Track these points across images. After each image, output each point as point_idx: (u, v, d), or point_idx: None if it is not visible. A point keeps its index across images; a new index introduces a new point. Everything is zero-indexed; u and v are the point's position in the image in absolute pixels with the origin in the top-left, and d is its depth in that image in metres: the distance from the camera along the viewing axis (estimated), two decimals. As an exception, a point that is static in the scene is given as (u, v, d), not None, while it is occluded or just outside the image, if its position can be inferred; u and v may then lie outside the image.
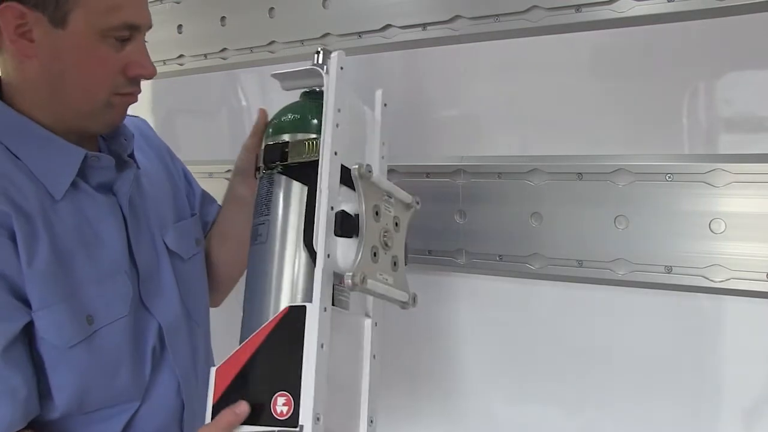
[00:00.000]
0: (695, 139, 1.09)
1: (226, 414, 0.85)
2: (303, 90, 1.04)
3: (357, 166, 0.89)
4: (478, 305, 1.30)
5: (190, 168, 1.46)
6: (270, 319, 0.88)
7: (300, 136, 0.98)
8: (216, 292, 1.23)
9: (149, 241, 1.05)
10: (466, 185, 1.24)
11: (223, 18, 1.49)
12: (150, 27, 0.97)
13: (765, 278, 1.01)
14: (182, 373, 1.05)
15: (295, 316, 0.88)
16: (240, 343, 0.90)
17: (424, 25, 1.20)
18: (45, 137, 0.93)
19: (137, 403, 0.99)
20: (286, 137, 0.98)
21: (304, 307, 0.87)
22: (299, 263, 0.95)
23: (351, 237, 0.91)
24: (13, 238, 0.87)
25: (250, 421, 0.87)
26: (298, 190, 0.97)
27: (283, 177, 0.97)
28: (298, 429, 0.85)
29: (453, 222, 1.25)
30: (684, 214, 1.06)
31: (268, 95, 1.58)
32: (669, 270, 1.07)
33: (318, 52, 1.01)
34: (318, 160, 0.93)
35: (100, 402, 0.95)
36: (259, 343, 0.89)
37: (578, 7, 1.09)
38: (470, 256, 1.25)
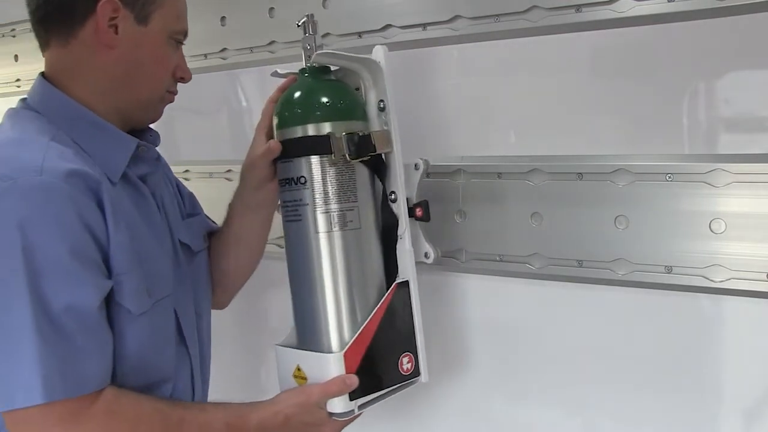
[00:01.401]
0: (695, 139, 1.09)
1: (336, 382, 1.03)
2: (302, 68, 1.12)
3: (422, 162, 1.19)
4: (478, 305, 1.30)
5: (190, 168, 1.47)
6: (384, 298, 1.08)
7: (358, 124, 1.08)
8: (225, 294, 1.27)
9: (171, 233, 1.11)
10: (466, 185, 1.24)
11: (223, 18, 1.49)
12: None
13: (765, 278, 1.01)
14: (194, 357, 1.11)
15: (403, 290, 1.10)
16: (296, 323, 1.10)
17: (424, 25, 1.20)
18: (100, 125, 1.00)
19: (171, 384, 1.04)
20: (339, 125, 1.06)
21: (407, 281, 1.11)
22: (379, 244, 1.12)
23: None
24: (101, 206, 0.92)
25: (375, 387, 1.07)
26: (371, 177, 1.11)
27: (362, 165, 1.08)
28: (421, 377, 1.12)
29: (453, 222, 1.25)
30: (684, 214, 1.06)
31: (268, 95, 1.58)
32: (669, 270, 1.07)
33: (306, 22, 1.12)
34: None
35: (148, 377, 1.00)
36: (379, 319, 1.07)
37: (578, 7, 1.09)
38: (470, 256, 1.25)
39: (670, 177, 1.06)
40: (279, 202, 1.14)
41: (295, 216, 1.08)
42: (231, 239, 1.22)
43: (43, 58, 1.04)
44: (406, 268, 1.13)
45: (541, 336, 1.25)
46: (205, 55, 1.51)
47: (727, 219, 1.03)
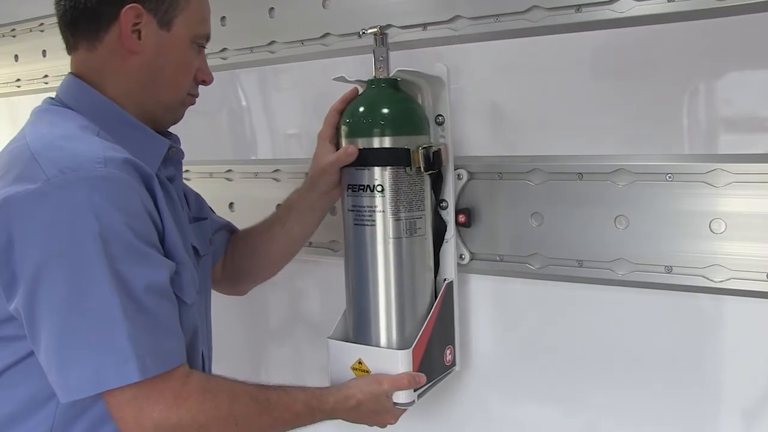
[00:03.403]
0: (695, 139, 1.09)
1: (407, 377, 1.11)
2: (370, 80, 1.17)
3: (465, 172, 1.23)
4: (478, 305, 1.30)
5: (190, 168, 1.47)
6: (439, 297, 1.18)
7: (425, 138, 1.15)
8: (253, 284, 1.35)
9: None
10: (467, 185, 1.24)
11: (223, 18, 1.49)
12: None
13: (765, 278, 1.01)
14: (206, 359, 1.14)
15: (449, 288, 1.21)
16: (354, 323, 1.17)
17: (424, 25, 1.20)
18: (135, 125, 1.03)
19: None
20: (413, 138, 1.13)
21: (452, 281, 1.21)
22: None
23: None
24: (153, 197, 0.96)
25: (429, 378, 1.14)
26: (430, 187, 1.18)
27: (427, 176, 1.15)
28: (457, 368, 1.24)
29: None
30: (684, 214, 1.06)
31: (269, 95, 1.58)
32: (669, 270, 1.07)
33: (376, 34, 1.17)
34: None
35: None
36: (436, 316, 1.17)
37: (578, 7, 1.09)
38: (471, 256, 1.25)
39: (670, 177, 1.06)
40: (348, 206, 1.16)
41: (370, 221, 1.13)
42: (283, 236, 1.27)
43: (69, 58, 1.06)
44: (450, 269, 1.22)
45: (540, 336, 1.25)
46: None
47: (727, 219, 1.03)
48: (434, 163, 1.13)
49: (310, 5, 1.37)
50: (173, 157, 1.09)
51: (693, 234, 1.05)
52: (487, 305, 1.29)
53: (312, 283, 1.51)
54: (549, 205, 1.17)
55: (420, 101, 1.19)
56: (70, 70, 1.06)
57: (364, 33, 1.19)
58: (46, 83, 1.85)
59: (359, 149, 1.13)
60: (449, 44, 1.24)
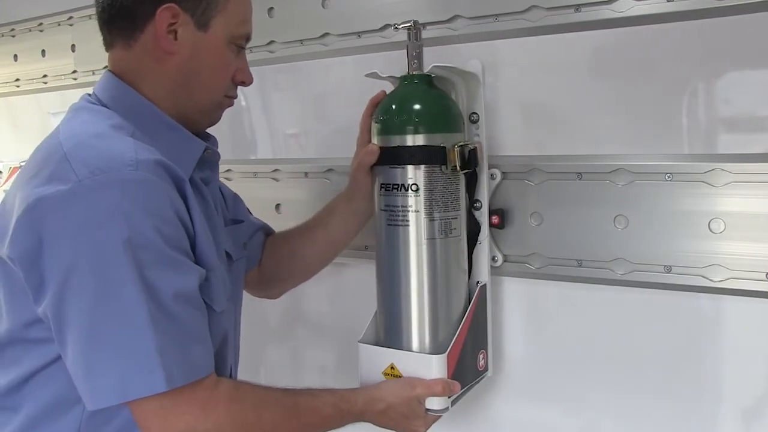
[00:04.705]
0: (695, 138, 1.09)
1: (441, 383, 1.07)
2: (403, 76, 1.14)
3: (499, 172, 1.21)
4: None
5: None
6: (473, 301, 1.15)
7: (460, 136, 1.12)
8: (290, 286, 1.33)
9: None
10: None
11: (222, 18, 1.49)
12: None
13: (764, 278, 1.01)
14: (233, 367, 1.13)
15: (483, 292, 1.18)
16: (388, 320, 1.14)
17: (423, 25, 1.19)
18: (172, 125, 1.01)
19: None
20: (448, 136, 1.09)
21: (485, 284, 1.18)
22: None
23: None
24: (185, 200, 0.94)
25: (462, 384, 1.11)
26: (465, 187, 1.14)
27: (462, 175, 1.12)
28: (489, 373, 1.21)
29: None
30: (683, 214, 1.06)
31: (268, 95, 1.58)
32: (668, 269, 1.07)
33: (410, 29, 1.13)
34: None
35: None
36: (470, 320, 1.14)
37: (577, 7, 1.09)
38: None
39: (669, 177, 1.06)
40: (380, 206, 1.13)
41: (404, 221, 1.10)
42: (323, 240, 1.25)
43: (107, 55, 1.04)
44: (483, 271, 1.19)
45: (540, 335, 1.25)
46: (205, 55, 1.50)
47: (727, 219, 1.03)
48: (470, 162, 1.10)
49: (309, 5, 1.37)
50: (209, 159, 1.07)
51: (692, 234, 1.05)
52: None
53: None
54: (550, 204, 1.17)
55: (454, 98, 1.16)
56: (107, 67, 1.04)
57: (397, 28, 1.17)
58: (45, 83, 1.85)
59: (393, 147, 1.10)
60: (448, 44, 1.24)
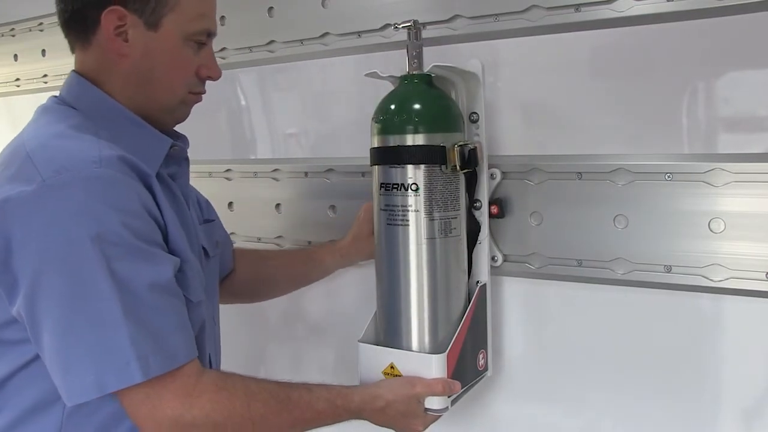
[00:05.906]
0: (695, 138, 1.09)
1: (441, 383, 1.07)
2: (403, 75, 1.14)
3: (498, 171, 1.21)
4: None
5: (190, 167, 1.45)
6: (473, 300, 1.15)
7: (460, 136, 1.11)
8: (264, 297, 1.40)
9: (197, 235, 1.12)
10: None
11: (222, 17, 1.49)
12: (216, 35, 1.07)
13: (764, 278, 1.01)
14: (214, 364, 1.13)
15: (483, 291, 1.18)
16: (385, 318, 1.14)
17: (423, 25, 1.19)
18: (136, 122, 1.02)
19: None
20: (448, 136, 1.09)
21: (485, 284, 1.18)
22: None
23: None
24: (153, 195, 0.95)
25: (462, 383, 1.11)
26: (464, 186, 1.14)
27: (462, 174, 1.12)
28: (489, 372, 1.21)
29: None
30: (683, 214, 1.06)
31: (268, 95, 1.58)
32: (668, 269, 1.07)
33: (410, 29, 1.13)
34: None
35: None
36: (470, 320, 1.14)
37: (577, 7, 1.09)
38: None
39: (669, 176, 1.06)
40: (380, 206, 1.13)
41: (403, 221, 1.10)
42: (316, 272, 1.34)
43: (68, 58, 1.06)
44: (483, 271, 1.19)
45: (539, 335, 1.25)
46: (205, 55, 1.50)
47: (727, 218, 1.03)
48: (470, 162, 1.10)
49: (309, 5, 1.37)
50: (176, 155, 1.07)
51: (692, 233, 1.05)
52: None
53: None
54: (549, 204, 1.17)
55: (454, 98, 1.17)
56: (73, 68, 1.05)
57: (397, 27, 1.17)
58: (46, 83, 1.85)
59: (393, 146, 1.10)
60: (448, 44, 1.24)
